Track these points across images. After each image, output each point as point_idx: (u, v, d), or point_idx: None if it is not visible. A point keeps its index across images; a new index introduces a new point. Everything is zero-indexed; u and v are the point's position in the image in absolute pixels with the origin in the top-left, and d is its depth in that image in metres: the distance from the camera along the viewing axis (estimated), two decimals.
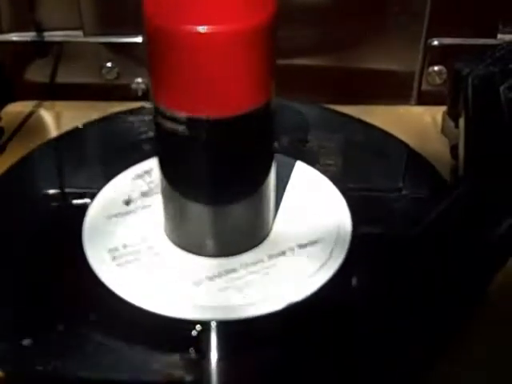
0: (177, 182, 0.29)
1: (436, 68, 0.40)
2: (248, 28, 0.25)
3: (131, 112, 0.39)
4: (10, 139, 0.38)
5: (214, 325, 0.27)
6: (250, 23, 0.25)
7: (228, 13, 0.25)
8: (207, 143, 0.27)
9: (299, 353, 0.26)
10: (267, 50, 0.26)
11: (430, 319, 0.27)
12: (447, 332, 0.27)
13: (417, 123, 0.40)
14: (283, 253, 0.30)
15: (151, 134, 0.31)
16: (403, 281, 0.28)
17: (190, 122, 0.26)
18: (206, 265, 0.29)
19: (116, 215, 0.32)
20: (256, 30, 0.25)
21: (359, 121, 0.38)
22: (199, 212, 0.28)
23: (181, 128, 0.26)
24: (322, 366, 0.26)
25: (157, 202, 0.30)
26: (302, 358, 0.26)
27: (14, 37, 0.41)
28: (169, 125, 0.26)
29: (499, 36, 0.40)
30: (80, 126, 0.38)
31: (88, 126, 0.38)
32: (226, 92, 0.25)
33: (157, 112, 0.27)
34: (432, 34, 0.40)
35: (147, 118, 0.37)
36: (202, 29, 0.24)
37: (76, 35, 0.41)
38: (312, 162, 0.35)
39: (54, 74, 0.41)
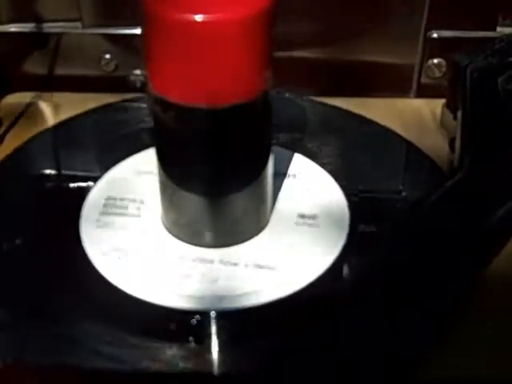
0: (174, 173, 0.28)
1: (435, 61, 0.40)
2: (245, 17, 0.25)
3: (134, 99, 0.39)
4: (8, 130, 0.38)
5: (212, 315, 0.27)
6: (247, 12, 0.25)
7: (225, 2, 0.25)
8: (204, 133, 0.27)
9: (304, 341, 0.26)
10: (264, 40, 0.26)
11: (432, 302, 0.27)
12: (448, 316, 0.27)
13: (416, 116, 0.40)
14: (281, 243, 0.30)
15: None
16: (400, 269, 0.28)
17: (187, 111, 0.26)
18: (203, 255, 0.29)
19: (115, 204, 0.32)
20: (253, 19, 0.25)
21: (355, 114, 0.38)
22: (197, 203, 0.28)
23: (177, 117, 0.26)
24: (323, 353, 0.26)
25: (156, 192, 0.30)
26: (307, 347, 0.26)
27: (13, 28, 0.40)
28: (165, 113, 0.26)
29: (498, 29, 0.40)
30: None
31: (89, 113, 0.38)
32: (223, 81, 0.25)
33: (153, 100, 0.27)
34: (432, 26, 0.39)
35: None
36: (198, 17, 0.24)
37: (75, 27, 0.40)
38: (308, 154, 0.35)
39: (52, 66, 0.41)
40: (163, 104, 0.26)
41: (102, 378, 0.26)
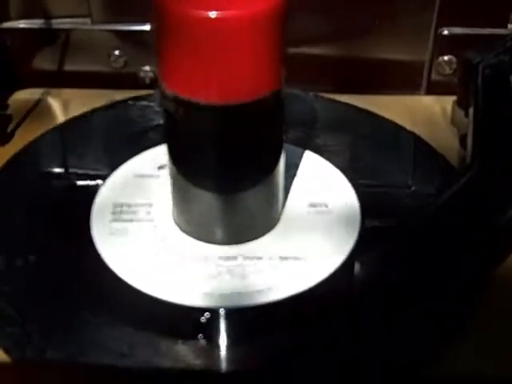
0: (186, 170, 0.28)
1: (446, 58, 0.40)
2: (258, 14, 0.25)
3: (145, 97, 0.39)
4: (17, 126, 0.38)
5: (222, 312, 0.27)
6: (260, 9, 0.24)
7: None
8: (216, 130, 0.27)
9: (313, 339, 0.26)
10: (277, 37, 0.26)
11: (440, 303, 0.27)
12: (457, 316, 0.27)
13: (426, 113, 0.39)
14: (293, 240, 0.30)
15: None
16: (411, 267, 0.28)
17: (200, 108, 0.26)
18: (215, 252, 0.29)
19: (125, 202, 0.32)
20: (266, 16, 0.25)
21: (366, 111, 0.38)
22: (208, 200, 0.28)
23: (189, 114, 0.26)
24: (332, 352, 0.26)
25: (167, 189, 0.30)
26: (316, 345, 0.26)
27: (22, 24, 0.40)
28: (177, 111, 0.26)
29: (509, 26, 0.40)
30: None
31: (100, 110, 0.38)
32: (236, 78, 0.25)
33: (165, 98, 0.27)
34: (442, 23, 0.39)
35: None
36: (212, 14, 0.24)
37: (84, 23, 0.40)
38: (319, 151, 0.35)
39: (61, 62, 0.41)
40: (175, 101, 0.26)
41: (112, 374, 0.26)
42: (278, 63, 0.26)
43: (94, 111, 0.38)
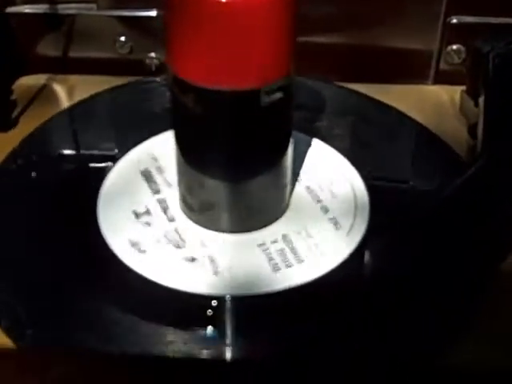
0: (194, 158, 0.28)
1: (455, 47, 0.40)
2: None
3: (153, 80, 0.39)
4: (22, 112, 0.38)
5: (228, 300, 0.27)
6: None
7: None
8: (226, 116, 0.26)
9: (319, 329, 0.26)
10: (288, 23, 0.25)
11: (448, 295, 0.27)
12: (462, 313, 0.27)
13: (434, 102, 0.39)
14: (301, 228, 0.29)
15: None
16: (419, 259, 0.28)
17: (209, 94, 0.25)
18: (222, 241, 0.29)
19: (132, 188, 0.31)
20: (278, 1, 0.24)
21: (373, 99, 0.38)
22: (216, 188, 0.28)
23: (198, 100, 0.26)
24: (339, 343, 0.26)
25: (174, 176, 0.30)
26: (322, 335, 0.26)
27: (27, 9, 0.40)
28: (186, 96, 0.26)
29: None
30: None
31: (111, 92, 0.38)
32: (246, 64, 0.25)
33: (174, 83, 0.26)
34: (451, 12, 0.39)
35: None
36: None
37: (89, 8, 0.40)
38: (326, 139, 0.34)
39: (67, 48, 0.41)
40: (185, 87, 0.26)
41: (115, 362, 0.25)
42: (289, 49, 0.26)
43: (99, 95, 0.38)
